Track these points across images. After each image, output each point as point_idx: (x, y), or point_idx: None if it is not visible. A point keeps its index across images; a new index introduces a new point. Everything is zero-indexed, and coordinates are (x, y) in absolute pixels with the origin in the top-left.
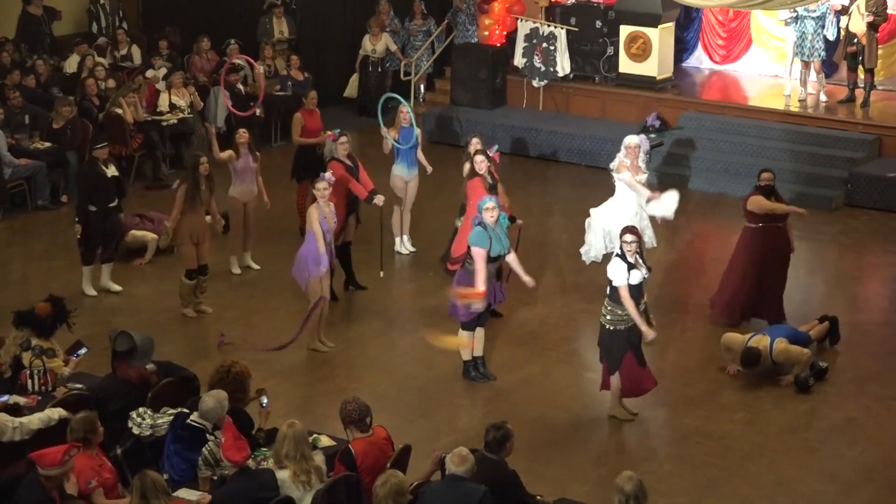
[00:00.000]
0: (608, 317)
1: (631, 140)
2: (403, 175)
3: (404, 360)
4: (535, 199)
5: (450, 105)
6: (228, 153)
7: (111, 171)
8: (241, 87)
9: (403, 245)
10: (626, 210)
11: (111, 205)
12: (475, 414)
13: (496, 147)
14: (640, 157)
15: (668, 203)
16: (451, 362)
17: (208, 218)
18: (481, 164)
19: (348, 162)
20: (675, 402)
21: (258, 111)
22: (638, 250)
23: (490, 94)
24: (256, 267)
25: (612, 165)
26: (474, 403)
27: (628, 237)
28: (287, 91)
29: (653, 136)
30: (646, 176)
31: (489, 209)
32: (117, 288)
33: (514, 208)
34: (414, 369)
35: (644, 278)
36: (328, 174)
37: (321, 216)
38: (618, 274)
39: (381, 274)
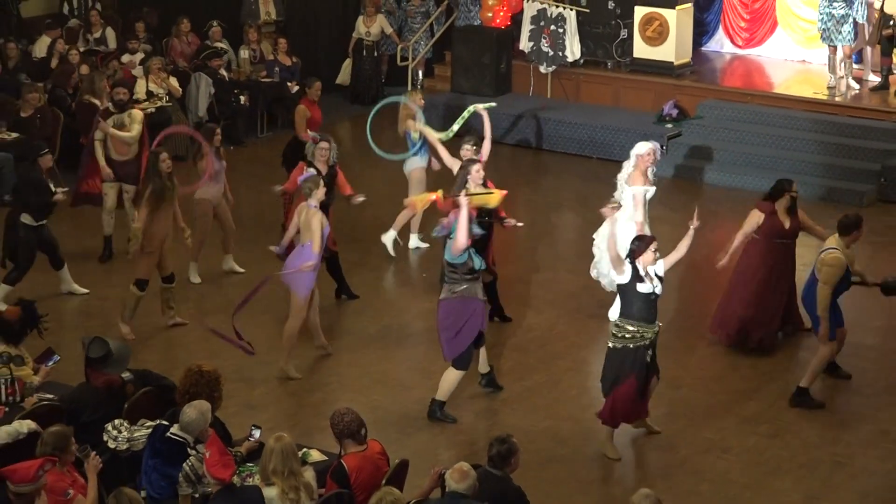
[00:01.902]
0: (613, 331)
1: (642, 148)
2: (425, 165)
3: (401, 369)
4: (543, 194)
5: (450, 92)
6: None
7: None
8: (224, 72)
9: (418, 243)
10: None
11: (44, 221)
12: (478, 426)
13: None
14: (650, 169)
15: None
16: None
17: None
18: (476, 175)
19: (323, 171)
20: (694, 414)
21: (243, 98)
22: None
23: (494, 81)
24: (241, 270)
25: (622, 177)
26: (477, 415)
27: (636, 244)
28: (274, 77)
29: (670, 126)
30: (654, 190)
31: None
32: (83, 291)
33: (513, 206)
34: (411, 378)
35: (654, 293)
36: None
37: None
38: (622, 274)
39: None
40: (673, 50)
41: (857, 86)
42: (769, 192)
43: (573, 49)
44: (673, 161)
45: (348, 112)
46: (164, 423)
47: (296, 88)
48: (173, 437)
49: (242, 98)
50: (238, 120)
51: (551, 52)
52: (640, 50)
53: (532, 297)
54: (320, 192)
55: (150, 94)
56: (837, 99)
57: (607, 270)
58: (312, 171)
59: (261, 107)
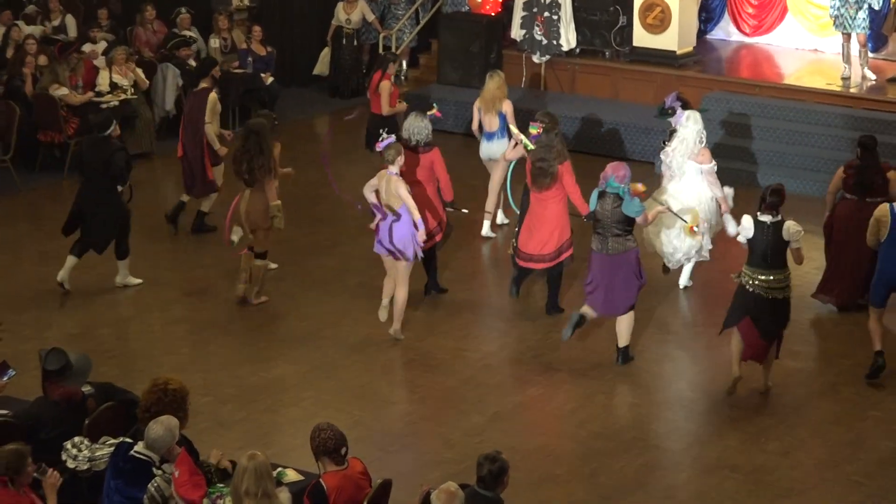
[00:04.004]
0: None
1: (700, 120)
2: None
3: (383, 383)
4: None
5: (436, 84)
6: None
7: None
8: (193, 63)
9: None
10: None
11: None
12: (466, 443)
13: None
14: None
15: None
16: (440, 384)
17: None
18: None
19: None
20: (699, 431)
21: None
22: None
23: (483, 72)
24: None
25: (681, 152)
26: (465, 431)
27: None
28: (247, 68)
29: (672, 120)
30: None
31: None
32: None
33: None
34: (395, 393)
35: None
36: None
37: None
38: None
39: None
40: (675, 38)
41: (873, 76)
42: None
43: (568, 37)
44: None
45: (327, 106)
46: (128, 440)
47: (270, 80)
48: (137, 455)
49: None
50: None
51: (545, 41)
52: (641, 38)
53: (525, 303)
54: (402, 159)
55: (113, 86)
56: (852, 90)
57: (672, 249)
58: (391, 138)
59: (233, 100)
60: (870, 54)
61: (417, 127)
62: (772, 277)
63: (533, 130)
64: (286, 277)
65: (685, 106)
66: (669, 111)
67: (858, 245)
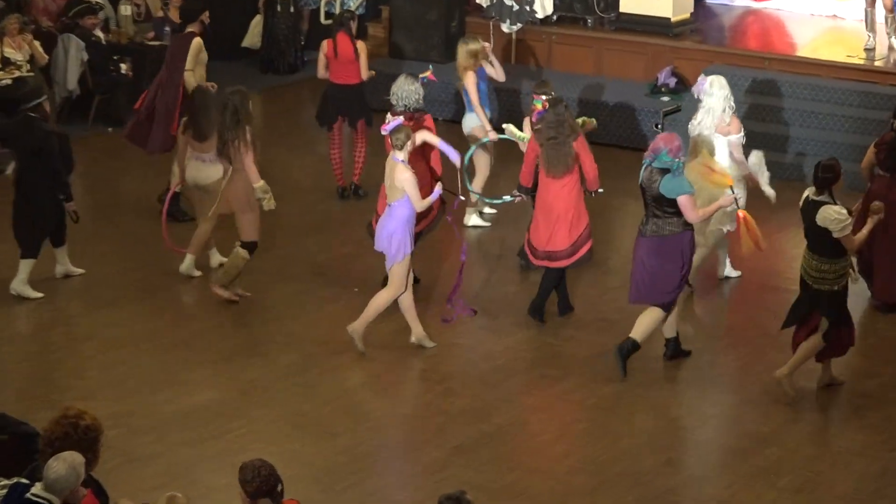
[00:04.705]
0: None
1: (725, 85)
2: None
3: (327, 410)
4: (507, 185)
5: (387, 58)
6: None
7: None
8: (100, 34)
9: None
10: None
11: None
12: (424, 482)
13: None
14: None
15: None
16: (392, 412)
17: None
18: None
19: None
20: (698, 464)
21: (125, 67)
22: None
23: (443, 44)
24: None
25: (708, 124)
26: (422, 467)
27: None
28: (164, 40)
29: (666, 98)
30: None
31: None
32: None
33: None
34: (340, 422)
35: None
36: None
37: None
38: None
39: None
40: (670, 3)
41: None
42: None
43: (544, 2)
44: None
45: (259, 83)
46: (24, 481)
47: None
48: (35, 499)
49: (124, 66)
50: (119, 94)
51: (516, 7)
52: (629, 3)
53: (493, 315)
54: (411, 145)
55: (5, 62)
56: (878, 63)
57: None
58: (399, 119)
59: (147, 76)
60: None
61: (407, 91)
62: (814, 263)
63: (537, 105)
64: (205, 287)
65: (681, 83)
66: (663, 88)
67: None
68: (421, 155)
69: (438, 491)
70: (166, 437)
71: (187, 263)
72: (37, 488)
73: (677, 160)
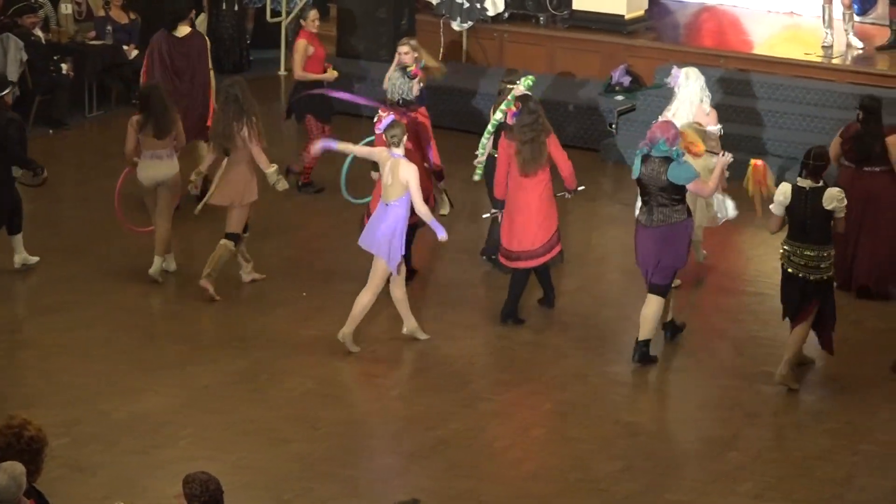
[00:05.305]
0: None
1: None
2: None
3: (277, 416)
4: (460, 189)
5: (335, 57)
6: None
7: None
8: (39, 33)
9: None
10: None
11: None
12: (376, 490)
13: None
14: None
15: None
16: (344, 418)
17: None
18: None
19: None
20: (656, 470)
21: (65, 67)
22: None
23: (392, 42)
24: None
25: (688, 115)
26: (375, 475)
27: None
28: (106, 39)
29: (620, 97)
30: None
31: None
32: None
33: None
34: (292, 429)
35: None
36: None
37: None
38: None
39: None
40: (624, 0)
41: (860, 44)
42: None
43: (495, 0)
44: (625, 142)
45: None
46: None
47: (134, 53)
48: None
49: (64, 66)
50: (59, 94)
51: (466, 4)
52: (582, 1)
53: (447, 320)
54: (406, 139)
55: None
56: (835, 61)
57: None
58: (391, 116)
59: (89, 77)
60: (856, 18)
61: (402, 81)
62: (810, 253)
63: (511, 107)
64: (153, 292)
65: (635, 82)
66: (617, 87)
67: (860, 218)
68: (416, 148)
69: (392, 498)
70: (114, 447)
71: (157, 266)
72: None
73: (675, 148)
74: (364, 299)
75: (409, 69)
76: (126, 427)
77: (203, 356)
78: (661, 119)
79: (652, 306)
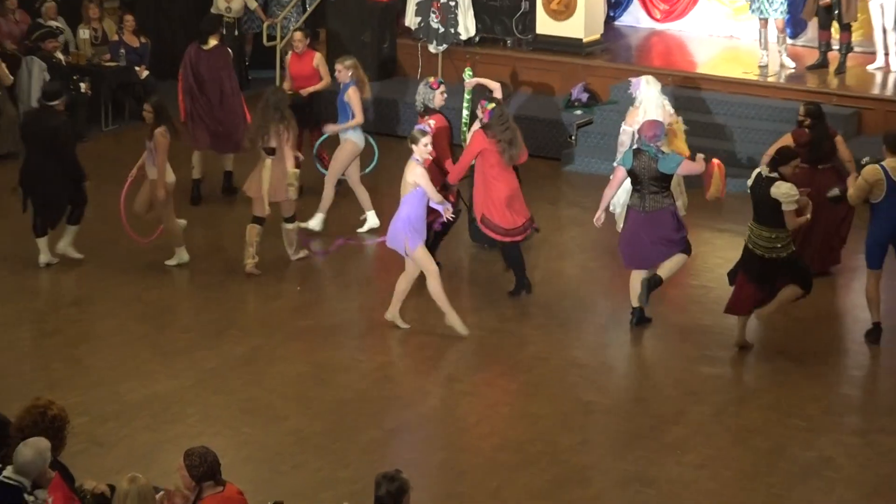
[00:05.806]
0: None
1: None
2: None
3: (273, 396)
4: None
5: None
6: None
7: None
8: (60, 56)
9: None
10: None
11: None
12: (363, 461)
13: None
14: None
15: None
16: (334, 397)
17: None
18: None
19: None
20: (610, 441)
21: (84, 86)
22: None
23: (376, 63)
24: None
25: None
26: (362, 448)
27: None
28: (120, 61)
29: (579, 112)
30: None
31: None
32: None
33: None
34: (285, 407)
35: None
36: (426, 125)
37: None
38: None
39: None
40: (582, 25)
41: (792, 64)
42: None
43: (467, 25)
44: (583, 153)
45: None
46: None
47: (145, 73)
48: (6, 481)
49: (83, 85)
50: (78, 111)
51: (442, 29)
52: (544, 25)
53: (422, 309)
54: (423, 150)
55: None
56: (770, 79)
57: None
58: (430, 123)
59: (105, 95)
60: (788, 41)
61: (425, 92)
62: (766, 234)
63: (489, 107)
64: (164, 285)
65: (592, 98)
66: (576, 103)
67: (817, 214)
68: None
69: (377, 469)
70: (128, 424)
71: (179, 256)
72: (8, 471)
73: (652, 146)
74: (432, 286)
75: (429, 80)
76: (140, 406)
77: (209, 343)
78: (627, 127)
79: (671, 261)
